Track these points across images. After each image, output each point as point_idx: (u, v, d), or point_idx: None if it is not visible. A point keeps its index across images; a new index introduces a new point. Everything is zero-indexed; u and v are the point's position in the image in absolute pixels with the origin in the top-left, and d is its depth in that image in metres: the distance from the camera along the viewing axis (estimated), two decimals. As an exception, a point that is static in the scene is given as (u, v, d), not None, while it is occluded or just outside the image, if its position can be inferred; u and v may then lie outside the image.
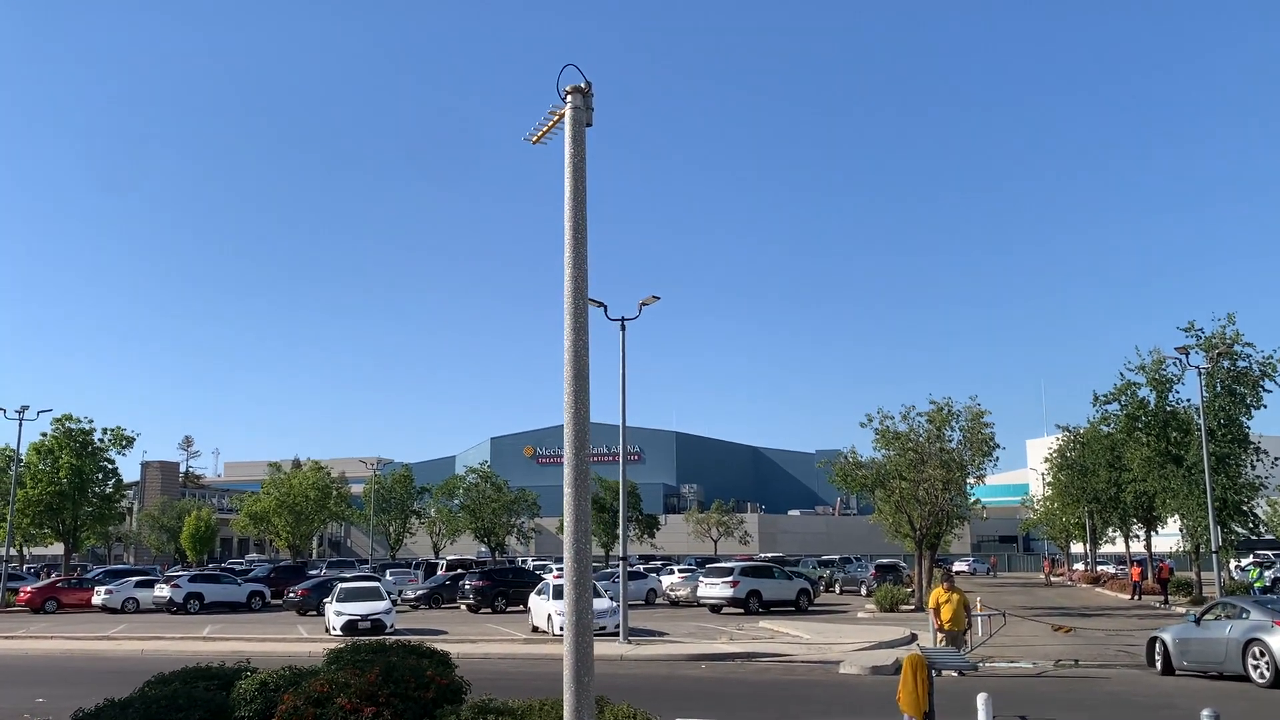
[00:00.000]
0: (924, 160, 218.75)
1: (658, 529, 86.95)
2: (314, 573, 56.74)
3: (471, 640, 29.83)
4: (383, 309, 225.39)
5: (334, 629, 31.47)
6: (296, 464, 74.96)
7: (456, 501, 77.60)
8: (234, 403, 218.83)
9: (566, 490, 8.01)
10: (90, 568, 67.95)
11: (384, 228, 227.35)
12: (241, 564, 76.14)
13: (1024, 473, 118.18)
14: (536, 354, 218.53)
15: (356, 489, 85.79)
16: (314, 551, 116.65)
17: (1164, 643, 21.15)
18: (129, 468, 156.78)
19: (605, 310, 30.21)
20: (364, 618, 31.45)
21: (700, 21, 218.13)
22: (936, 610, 20.69)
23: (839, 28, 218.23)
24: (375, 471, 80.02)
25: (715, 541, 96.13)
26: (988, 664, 22.57)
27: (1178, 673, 20.50)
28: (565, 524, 7.95)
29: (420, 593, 47.77)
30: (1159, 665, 21.20)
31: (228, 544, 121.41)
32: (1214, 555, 39.59)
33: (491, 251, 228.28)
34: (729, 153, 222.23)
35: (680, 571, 54.29)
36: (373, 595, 33.40)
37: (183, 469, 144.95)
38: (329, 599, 34.52)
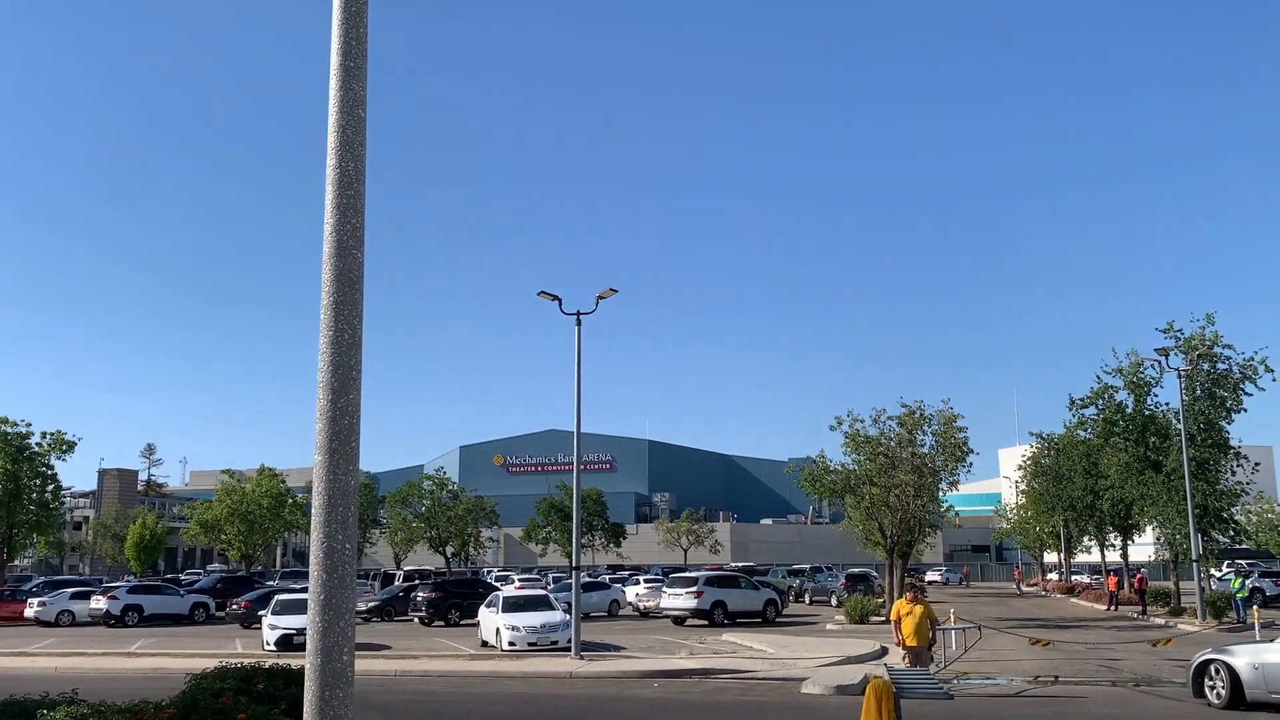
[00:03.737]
0: (899, 168, 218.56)
1: (624, 538, 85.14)
2: (270, 583, 54.74)
3: (414, 656, 28.04)
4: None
5: (268, 644, 29.59)
6: (262, 472, 72.79)
7: (411, 510, 75.50)
8: (203, 412, 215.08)
9: (318, 458, 5.51)
10: (34, 577, 65.38)
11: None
12: (199, 574, 73.95)
13: (997, 482, 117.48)
14: (510, 362, 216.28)
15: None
16: (277, 561, 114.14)
17: (1228, 666, 16.75)
18: (85, 475, 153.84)
19: (560, 304, 28.66)
20: (300, 631, 29.42)
21: (677, 33, 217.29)
22: (898, 624, 18.99)
23: (817, 31, 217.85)
24: (334, 479, 77.58)
25: (685, 551, 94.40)
26: (962, 680, 21.00)
27: (1249, 704, 16.35)
28: (314, 513, 5.55)
29: (372, 605, 45.77)
30: (1219, 695, 16.78)
31: (191, 555, 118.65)
32: (1194, 564, 38.25)
33: (469, 258, 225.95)
34: (705, 159, 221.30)
35: (646, 582, 52.77)
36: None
37: (144, 477, 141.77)
38: (265, 611, 32.55)
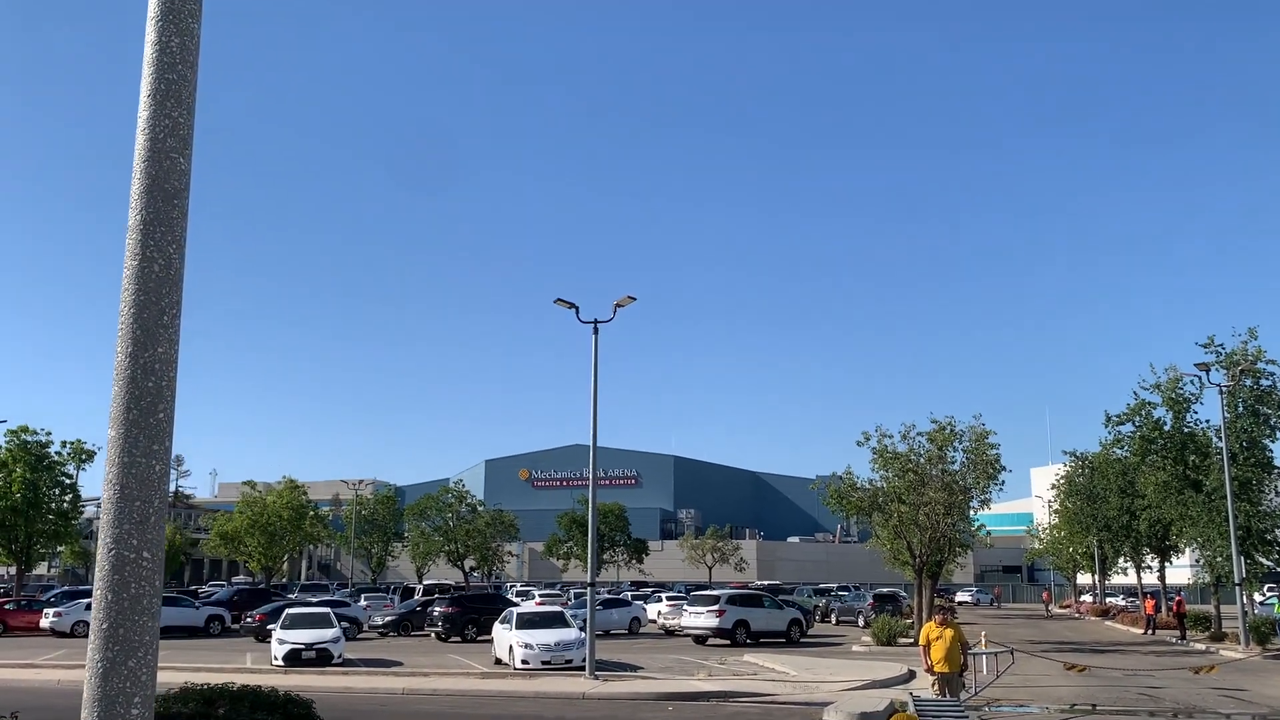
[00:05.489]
0: (924, 182, 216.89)
1: (646, 554, 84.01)
2: (291, 596, 54.31)
3: (424, 674, 27.18)
4: (384, 328, 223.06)
5: (277, 659, 28.83)
6: (284, 484, 72.67)
7: (429, 523, 74.77)
8: (233, 423, 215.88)
9: (110, 432, 4.15)
10: (56, 586, 65.24)
11: (388, 243, 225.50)
12: (222, 586, 73.83)
13: (1029, 501, 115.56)
14: (537, 376, 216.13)
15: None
16: (301, 574, 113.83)
17: None
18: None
19: (577, 312, 27.91)
20: (309, 647, 28.78)
21: (694, 52, 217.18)
22: (927, 648, 17.87)
23: (828, 49, 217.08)
24: (356, 492, 77.26)
25: (710, 568, 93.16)
26: (993, 708, 19.91)
27: None
28: (103, 508, 4.18)
29: (389, 619, 45.04)
30: None
31: (216, 566, 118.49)
32: (1237, 588, 36.77)
33: (497, 272, 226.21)
34: (727, 174, 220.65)
35: (669, 599, 51.89)
36: (321, 622, 30.68)
37: (171, 488, 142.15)
38: (274, 625, 31.86)
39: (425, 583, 64.81)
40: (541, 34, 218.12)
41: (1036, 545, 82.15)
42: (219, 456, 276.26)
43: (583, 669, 25.77)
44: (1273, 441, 38.56)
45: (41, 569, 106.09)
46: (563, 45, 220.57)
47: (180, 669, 28.13)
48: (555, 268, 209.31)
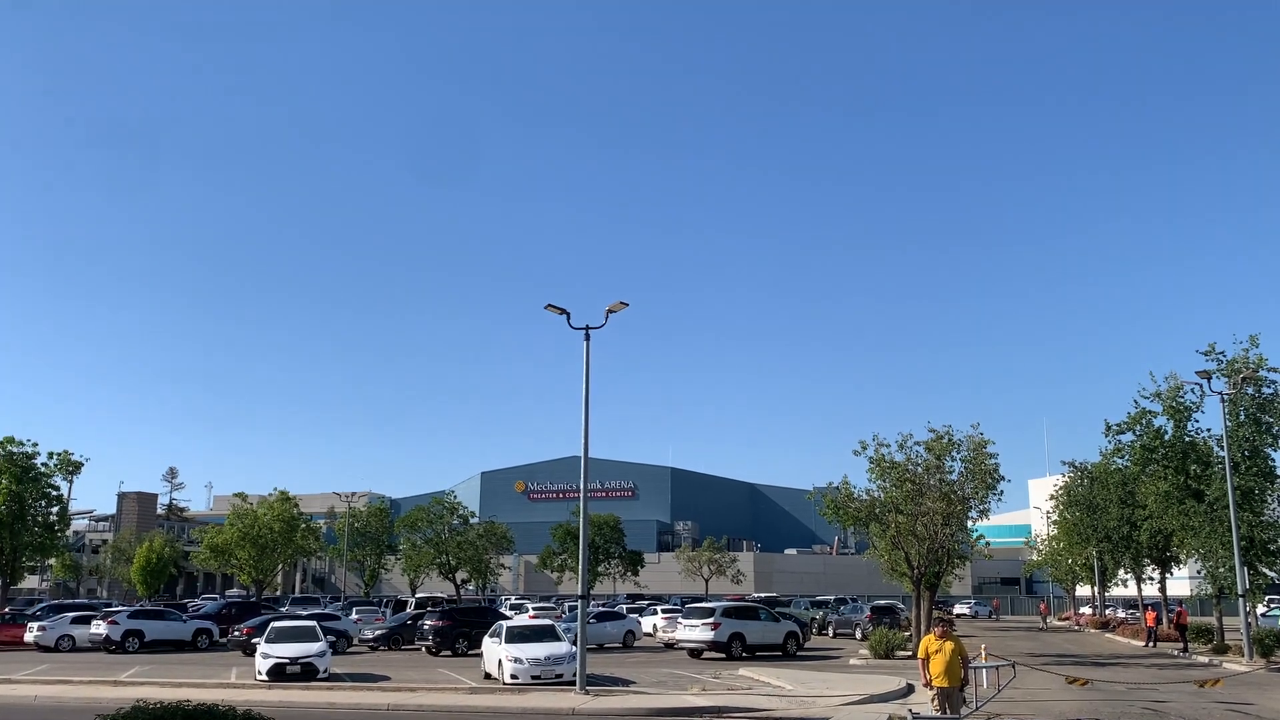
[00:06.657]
0: (922, 193, 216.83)
1: (641, 566, 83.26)
2: (282, 609, 53.67)
3: (412, 688, 26.53)
4: (382, 341, 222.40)
5: (261, 673, 28.15)
6: (275, 496, 71.87)
7: (420, 534, 73.83)
8: (231, 438, 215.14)
9: None
10: (44, 600, 64.43)
11: (383, 255, 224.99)
12: (214, 599, 73.15)
13: (1027, 513, 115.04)
14: (534, 389, 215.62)
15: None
16: (296, 586, 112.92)
17: None
18: (109, 499, 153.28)
19: (568, 318, 27.37)
20: (293, 661, 28.11)
21: (696, 55, 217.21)
22: (926, 662, 17.25)
23: (833, 58, 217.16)
24: (349, 505, 76.40)
25: (707, 580, 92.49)
26: (994, 724, 19.28)
27: None
28: None
29: (379, 633, 44.37)
30: None
31: (210, 579, 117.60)
32: (1240, 599, 36.17)
33: (487, 280, 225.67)
34: (727, 185, 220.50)
35: (665, 612, 51.24)
36: (307, 636, 30.00)
37: (165, 501, 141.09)
38: (259, 639, 31.19)
39: (418, 596, 64.06)
40: (540, 45, 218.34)
41: (1035, 557, 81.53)
42: (215, 470, 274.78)
43: (573, 684, 25.18)
44: (1275, 450, 38.04)
45: (33, 582, 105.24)
46: (562, 60, 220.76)
47: (165, 684, 27.52)
48: (553, 281, 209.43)
